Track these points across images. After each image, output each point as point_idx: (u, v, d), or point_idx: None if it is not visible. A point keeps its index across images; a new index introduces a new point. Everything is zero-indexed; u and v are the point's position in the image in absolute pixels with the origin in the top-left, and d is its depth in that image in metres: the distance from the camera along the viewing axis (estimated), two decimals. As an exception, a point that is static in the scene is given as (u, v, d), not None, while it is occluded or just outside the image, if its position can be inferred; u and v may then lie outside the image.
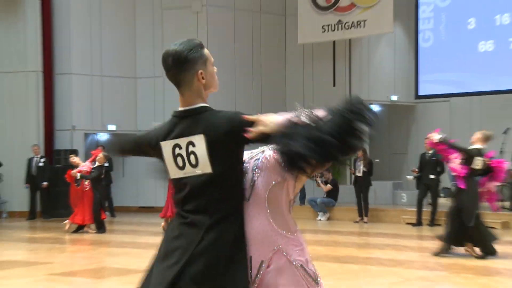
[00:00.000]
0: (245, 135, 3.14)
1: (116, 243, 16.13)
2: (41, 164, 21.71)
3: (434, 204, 20.05)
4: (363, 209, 20.82)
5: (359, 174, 20.86)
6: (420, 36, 24.48)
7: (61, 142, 22.44)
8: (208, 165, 3.14)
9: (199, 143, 3.14)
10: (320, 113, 3.14)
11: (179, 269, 3.12)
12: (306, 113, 3.12)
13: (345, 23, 23.74)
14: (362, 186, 20.68)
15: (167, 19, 23.77)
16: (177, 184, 3.30)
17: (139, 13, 24.00)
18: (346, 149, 3.19)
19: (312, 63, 25.24)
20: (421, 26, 24.49)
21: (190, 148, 3.13)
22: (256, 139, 3.17)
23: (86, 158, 19.88)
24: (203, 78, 3.40)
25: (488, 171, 13.23)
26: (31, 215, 21.91)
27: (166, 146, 3.21)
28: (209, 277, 3.13)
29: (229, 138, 3.19)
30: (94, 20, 22.99)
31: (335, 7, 23.80)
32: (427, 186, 19.96)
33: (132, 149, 3.89)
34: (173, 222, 3.39)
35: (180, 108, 3.40)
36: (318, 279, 3.42)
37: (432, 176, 19.78)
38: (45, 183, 21.65)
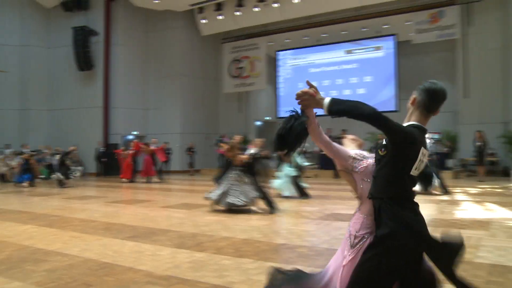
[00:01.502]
0: None
1: (138, 187, 16.01)
2: (102, 150, 21.27)
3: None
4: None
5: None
6: (279, 90, 24.73)
7: (112, 140, 21.97)
8: (420, 170, 2.55)
9: (426, 156, 2.54)
10: None
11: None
12: None
13: (245, 83, 23.86)
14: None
15: (163, 81, 23.30)
16: (409, 179, 2.50)
17: (149, 77, 23.48)
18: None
19: (230, 102, 25.31)
20: (279, 85, 24.74)
21: (423, 158, 2.49)
22: None
23: (124, 148, 19.80)
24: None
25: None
26: (97, 175, 21.51)
27: (422, 152, 2.47)
28: None
29: None
30: (128, 80, 22.54)
31: (240, 76, 23.87)
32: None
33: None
34: (411, 206, 2.49)
35: (423, 126, 2.54)
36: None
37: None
38: (104, 159, 21.22)
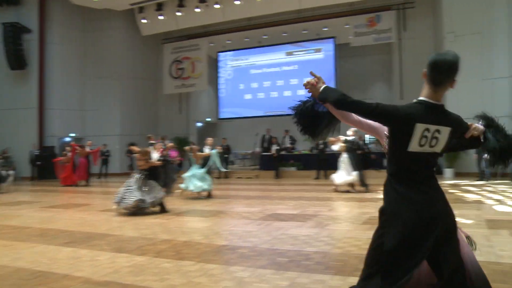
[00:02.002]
0: (465, 135, 2.56)
1: (75, 191, 15.48)
2: (36, 153, 20.39)
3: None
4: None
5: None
6: (220, 91, 24.70)
7: (48, 142, 21.20)
8: (441, 147, 2.45)
9: (445, 132, 2.43)
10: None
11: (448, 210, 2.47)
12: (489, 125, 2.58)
13: (186, 84, 23.65)
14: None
15: (102, 81, 22.72)
16: (411, 155, 2.44)
17: (87, 78, 22.81)
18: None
19: (171, 103, 24.99)
20: (220, 87, 24.71)
21: (435, 134, 2.41)
22: (468, 138, 2.58)
23: (60, 150, 19.18)
24: (452, 86, 2.52)
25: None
26: (32, 179, 20.60)
27: (420, 127, 2.39)
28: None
29: (458, 133, 2.53)
30: (64, 80, 21.81)
31: (180, 77, 23.65)
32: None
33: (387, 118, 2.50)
34: (413, 184, 2.46)
35: (431, 101, 2.47)
36: None
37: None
38: (38, 163, 20.36)
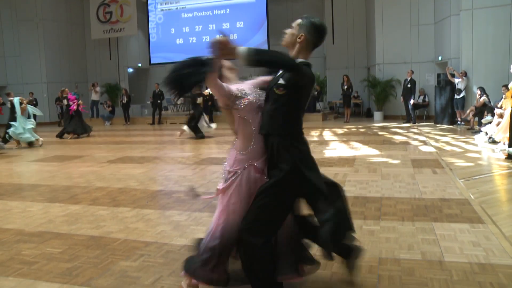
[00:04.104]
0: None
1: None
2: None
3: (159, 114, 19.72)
4: (128, 119, 20.20)
5: (124, 101, 20.18)
6: (150, 35, 23.86)
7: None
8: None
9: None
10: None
11: None
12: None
13: (115, 29, 22.73)
14: (127, 107, 20.05)
15: (22, 25, 21.29)
16: (302, 115, 2.64)
17: (2, 23, 21.48)
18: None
19: (99, 49, 23.97)
20: (150, 31, 23.85)
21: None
22: None
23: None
24: None
25: None
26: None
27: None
28: None
29: None
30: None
31: (109, 21, 22.64)
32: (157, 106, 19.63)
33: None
34: (305, 140, 2.68)
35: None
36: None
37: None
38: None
